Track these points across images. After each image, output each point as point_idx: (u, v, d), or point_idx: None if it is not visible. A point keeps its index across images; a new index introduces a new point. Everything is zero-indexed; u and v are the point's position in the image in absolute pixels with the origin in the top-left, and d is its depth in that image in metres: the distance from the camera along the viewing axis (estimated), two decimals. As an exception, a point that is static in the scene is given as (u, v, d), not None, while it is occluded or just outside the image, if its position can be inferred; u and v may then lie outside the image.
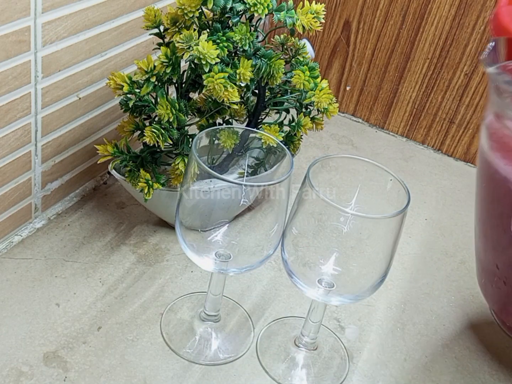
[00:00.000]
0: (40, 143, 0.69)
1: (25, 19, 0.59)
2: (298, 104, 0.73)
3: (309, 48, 0.72)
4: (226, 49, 0.62)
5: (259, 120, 0.73)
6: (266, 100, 0.72)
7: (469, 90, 0.96)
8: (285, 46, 0.70)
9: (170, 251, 0.74)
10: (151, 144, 0.65)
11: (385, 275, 0.56)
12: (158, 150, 0.69)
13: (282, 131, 0.72)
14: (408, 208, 0.53)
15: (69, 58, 0.67)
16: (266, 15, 0.64)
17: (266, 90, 0.71)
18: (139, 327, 0.64)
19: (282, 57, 0.67)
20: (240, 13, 0.65)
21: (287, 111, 0.74)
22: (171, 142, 0.67)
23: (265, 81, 0.67)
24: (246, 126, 0.73)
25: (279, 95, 0.73)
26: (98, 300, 0.66)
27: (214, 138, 0.66)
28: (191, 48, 0.61)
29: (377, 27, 0.99)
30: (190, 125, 0.68)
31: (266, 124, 0.71)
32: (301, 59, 0.70)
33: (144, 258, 0.72)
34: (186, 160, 0.67)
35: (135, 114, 0.68)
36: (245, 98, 0.72)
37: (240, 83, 0.63)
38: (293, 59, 0.70)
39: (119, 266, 0.70)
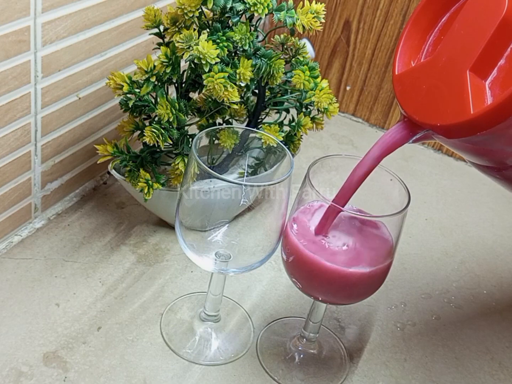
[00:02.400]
0: (39, 143, 0.69)
1: (25, 19, 0.59)
2: (298, 104, 0.73)
3: (309, 48, 0.73)
4: (226, 49, 0.62)
5: (259, 120, 0.73)
6: (266, 100, 0.72)
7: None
8: (285, 46, 0.70)
9: (170, 251, 0.74)
10: (151, 144, 0.65)
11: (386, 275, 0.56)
12: (158, 150, 0.69)
13: (282, 131, 0.72)
14: (408, 208, 0.53)
15: (69, 58, 0.67)
16: (266, 15, 0.64)
17: (266, 90, 0.71)
18: (139, 327, 0.64)
19: (282, 57, 0.67)
20: (240, 13, 0.64)
21: (287, 111, 0.74)
22: (171, 142, 0.67)
23: (265, 81, 0.67)
24: (246, 126, 0.73)
25: (279, 95, 0.73)
26: (98, 300, 0.66)
27: (214, 138, 0.66)
28: (191, 48, 0.61)
29: (377, 27, 0.99)
30: (190, 125, 0.68)
31: (266, 124, 0.71)
32: (301, 59, 0.70)
33: (144, 258, 0.72)
34: (186, 160, 0.67)
35: (135, 114, 0.68)
36: (245, 98, 0.72)
37: (240, 83, 0.63)
38: (293, 59, 0.70)
39: (119, 266, 0.70)
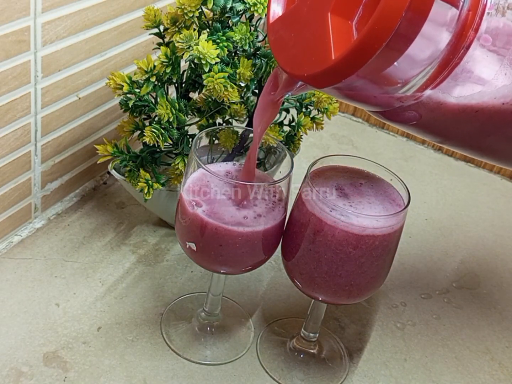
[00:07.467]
0: (39, 143, 0.69)
1: (25, 19, 0.59)
2: (298, 104, 0.73)
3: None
4: (226, 49, 0.62)
5: (259, 120, 0.73)
6: (266, 100, 0.72)
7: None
8: (285, 46, 0.69)
9: (170, 251, 0.74)
10: (151, 144, 0.65)
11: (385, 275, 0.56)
12: (158, 150, 0.69)
13: (282, 131, 0.72)
14: (408, 208, 0.53)
15: (69, 58, 0.67)
16: (266, 15, 0.64)
17: (266, 90, 0.71)
18: (139, 327, 0.64)
19: (282, 57, 0.67)
20: (240, 12, 0.65)
21: (287, 111, 0.74)
22: (171, 142, 0.67)
23: (265, 81, 0.67)
24: (246, 126, 0.73)
25: (279, 95, 0.73)
26: (98, 300, 0.66)
27: (214, 138, 0.66)
28: (191, 48, 0.61)
29: (377, 27, 0.98)
30: (190, 125, 0.68)
31: (266, 124, 0.71)
32: (301, 59, 0.70)
33: (144, 258, 0.72)
34: (186, 160, 0.67)
35: (135, 114, 0.68)
36: (245, 98, 0.72)
37: (240, 83, 0.63)
38: (293, 59, 0.70)
39: (119, 266, 0.70)
